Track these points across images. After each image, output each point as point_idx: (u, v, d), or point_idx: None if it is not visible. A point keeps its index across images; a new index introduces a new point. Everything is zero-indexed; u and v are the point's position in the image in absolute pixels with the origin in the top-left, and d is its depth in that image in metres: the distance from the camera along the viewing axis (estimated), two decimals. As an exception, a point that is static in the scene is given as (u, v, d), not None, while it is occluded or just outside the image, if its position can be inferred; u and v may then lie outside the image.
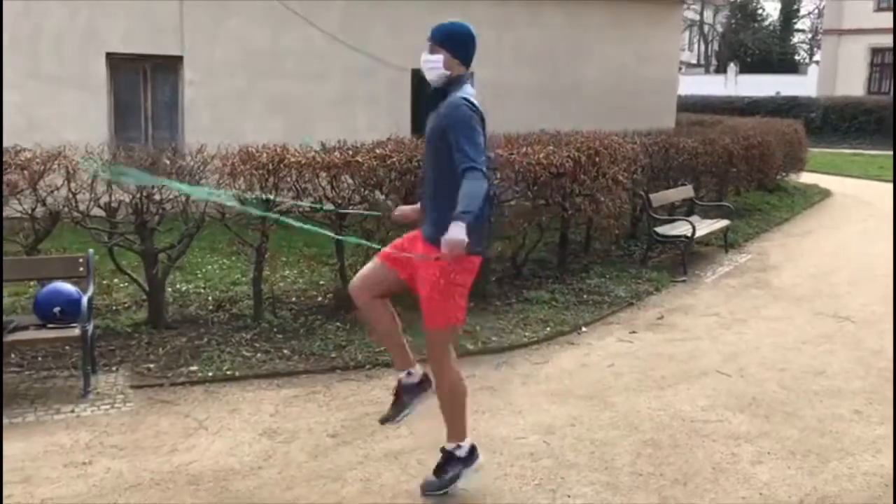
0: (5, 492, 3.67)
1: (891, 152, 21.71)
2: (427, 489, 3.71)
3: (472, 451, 3.76)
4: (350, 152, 6.82)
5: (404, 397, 3.81)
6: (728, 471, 4.04)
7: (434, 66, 3.59)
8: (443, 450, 3.73)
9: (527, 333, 6.32)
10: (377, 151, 6.77)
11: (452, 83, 3.59)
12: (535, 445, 4.31)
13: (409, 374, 3.80)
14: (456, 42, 3.61)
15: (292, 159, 6.35)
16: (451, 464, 3.70)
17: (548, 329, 6.44)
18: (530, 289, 7.50)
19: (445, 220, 3.30)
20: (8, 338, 4.83)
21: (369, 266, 3.77)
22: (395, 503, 3.68)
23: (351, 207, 6.49)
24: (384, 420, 3.87)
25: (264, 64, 11.79)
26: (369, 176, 6.50)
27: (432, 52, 3.60)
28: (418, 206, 3.84)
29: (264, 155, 6.36)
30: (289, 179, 6.39)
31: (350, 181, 6.60)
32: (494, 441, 4.34)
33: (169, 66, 11.69)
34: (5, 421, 4.51)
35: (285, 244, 7.95)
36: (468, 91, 3.58)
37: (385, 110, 12.29)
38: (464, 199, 3.27)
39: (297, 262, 8.06)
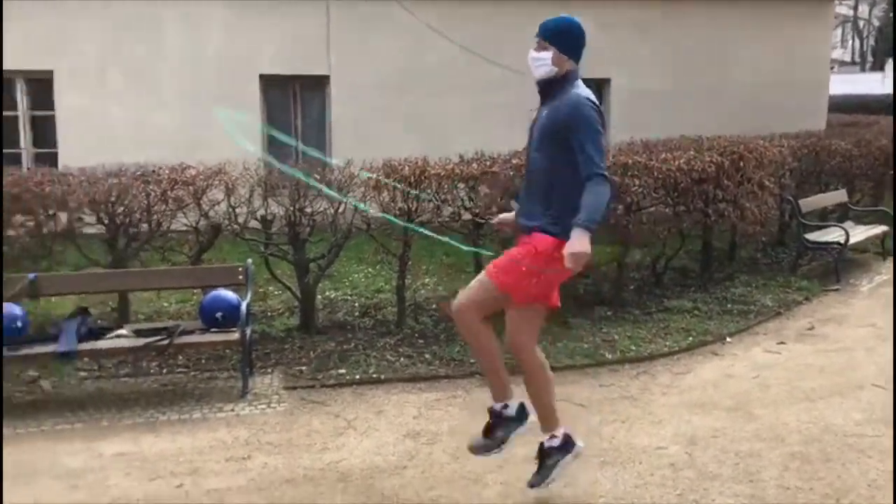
0: (176, 480, 4.01)
1: None
2: (533, 484, 3.66)
3: (567, 439, 3.67)
4: (487, 163, 6.97)
5: (498, 431, 3.69)
6: (885, 488, 3.85)
7: (542, 63, 3.48)
8: (540, 445, 3.69)
9: (667, 343, 6.22)
10: (513, 161, 6.88)
11: (561, 80, 3.47)
12: (677, 456, 4.25)
13: (505, 406, 3.71)
14: (564, 38, 3.48)
15: (433, 171, 6.56)
16: (550, 455, 3.65)
17: (690, 339, 6.31)
18: (671, 298, 7.36)
19: (559, 219, 3.28)
20: (176, 341, 5.27)
21: (475, 284, 3.63)
22: (534, 507, 3.75)
23: (487, 217, 6.63)
24: (473, 450, 3.76)
25: (403, 80, 12.17)
26: (506, 185, 6.61)
27: (540, 49, 3.49)
28: (514, 214, 3.74)
29: (406, 168, 6.61)
30: (429, 191, 6.60)
31: (487, 191, 6.74)
32: (634, 450, 4.32)
33: (316, 86, 12.29)
34: (176, 417, 4.92)
35: (426, 254, 8.18)
36: (584, 89, 3.45)
37: (520, 121, 12.36)
38: (589, 208, 3.21)
39: (437, 271, 8.28)
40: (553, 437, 3.68)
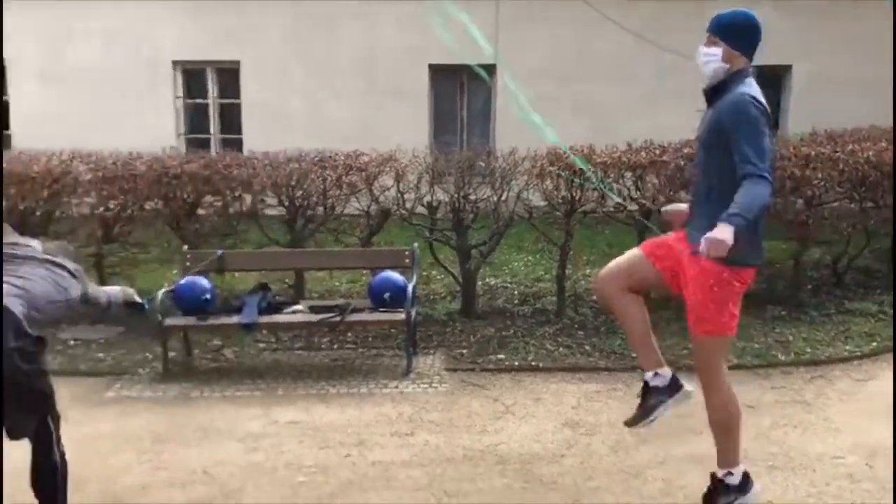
0: (344, 450, 4.22)
1: None
2: (631, 422, 3.50)
3: (746, 479, 3.38)
4: (656, 151, 6.78)
5: (651, 399, 3.50)
6: None
7: (711, 59, 3.26)
8: (713, 476, 3.42)
9: (847, 347, 5.83)
10: (684, 151, 6.65)
11: (732, 78, 3.24)
12: (855, 467, 3.99)
13: (656, 374, 3.49)
14: (737, 32, 3.24)
15: (598, 159, 6.48)
16: (724, 493, 3.37)
17: (874, 344, 5.88)
18: (853, 299, 6.88)
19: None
20: (347, 318, 5.53)
21: (623, 256, 3.53)
22: (696, 506, 3.64)
23: (657, 205, 6.47)
24: (629, 423, 3.59)
25: (571, 67, 12.05)
26: (675, 176, 6.41)
27: (710, 44, 3.28)
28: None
29: (571, 156, 6.55)
30: (594, 180, 6.51)
31: (655, 181, 6.57)
32: (807, 457, 4.10)
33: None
34: (344, 390, 5.17)
35: (588, 243, 8.10)
36: (753, 87, 3.20)
37: (692, 109, 11.92)
38: (740, 202, 2.97)
39: (599, 262, 8.15)
40: (730, 473, 3.40)
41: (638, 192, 6.55)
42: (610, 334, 6.12)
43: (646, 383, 3.53)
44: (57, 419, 3.13)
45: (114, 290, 3.60)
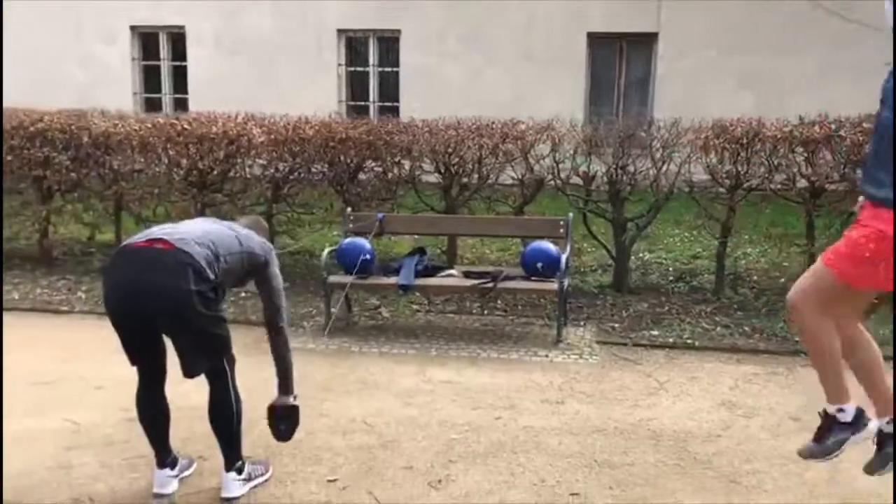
0: (496, 413, 4.31)
1: None
2: (805, 454, 3.21)
3: (860, 415, 3.12)
4: (832, 126, 6.38)
5: (830, 438, 3.17)
6: None
7: None
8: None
9: None
10: (863, 126, 6.21)
11: None
12: None
13: (840, 409, 3.15)
14: None
15: (768, 133, 6.18)
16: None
17: None
18: None
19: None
20: (499, 285, 5.59)
21: (809, 273, 3.05)
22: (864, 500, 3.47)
23: (827, 186, 6.12)
24: (802, 454, 3.26)
25: (737, 37, 11.49)
26: (852, 152, 6.01)
27: None
28: None
29: (738, 129, 6.29)
30: (762, 154, 6.23)
31: (829, 157, 6.19)
32: None
33: (643, 43, 12.07)
34: (495, 355, 5.25)
35: (751, 221, 7.76)
36: None
37: (872, 82, 11.08)
38: None
39: (762, 241, 7.82)
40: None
41: (809, 169, 6.19)
42: (772, 316, 5.88)
43: (825, 414, 3.19)
44: (232, 362, 3.35)
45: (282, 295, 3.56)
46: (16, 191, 7.38)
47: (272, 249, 3.51)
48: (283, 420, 3.53)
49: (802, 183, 6.23)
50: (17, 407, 4.27)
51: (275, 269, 3.48)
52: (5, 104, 9.59)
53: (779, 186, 6.31)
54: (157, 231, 3.20)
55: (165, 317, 3.06)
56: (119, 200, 7.07)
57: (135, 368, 3.30)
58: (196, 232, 3.21)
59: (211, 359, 3.22)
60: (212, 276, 3.09)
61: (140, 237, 3.18)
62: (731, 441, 4.00)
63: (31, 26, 13.26)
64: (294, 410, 3.54)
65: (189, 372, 3.21)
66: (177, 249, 3.05)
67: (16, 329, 5.67)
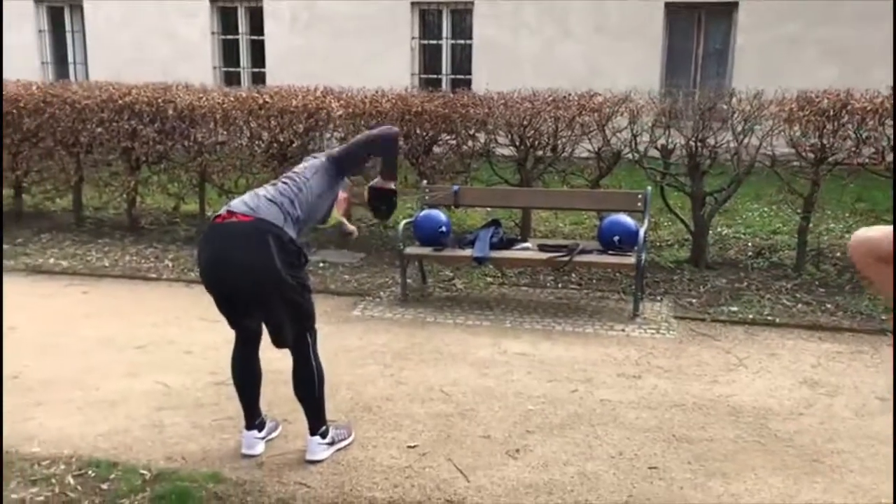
0: (571, 385, 4.33)
1: None
2: None
3: None
4: (927, 98, 6.11)
5: None
6: None
7: None
8: None
9: None
10: (962, 97, 5.95)
11: None
12: None
13: None
14: None
15: (857, 105, 5.96)
16: None
17: None
18: None
19: None
20: (575, 259, 5.57)
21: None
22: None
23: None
24: None
25: (821, 6, 11.05)
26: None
27: None
28: None
29: (825, 100, 6.09)
30: (849, 126, 6.02)
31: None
32: None
33: (723, 13, 11.74)
34: (570, 329, 5.26)
35: (835, 196, 7.53)
36: None
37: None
38: None
39: (846, 216, 7.59)
40: None
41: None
42: (856, 294, 5.73)
43: None
44: (314, 333, 3.42)
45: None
46: (105, 162, 7.68)
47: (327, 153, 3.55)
48: (383, 200, 3.58)
49: (892, 156, 6.01)
50: (112, 369, 4.50)
51: (338, 148, 3.56)
52: (92, 78, 9.90)
53: (866, 160, 6.10)
54: (237, 203, 3.26)
55: (255, 290, 3.18)
56: (203, 172, 7.29)
57: (231, 331, 3.44)
58: (265, 192, 3.27)
59: (296, 328, 3.31)
60: (292, 232, 3.17)
61: (222, 210, 3.27)
62: (813, 419, 3.94)
63: (112, 4, 13.67)
64: (394, 194, 3.57)
65: (280, 342, 3.33)
66: (253, 219, 3.13)
67: (108, 295, 5.95)
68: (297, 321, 3.31)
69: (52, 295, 5.93)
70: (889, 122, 5.99)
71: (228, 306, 3.32)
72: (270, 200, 3.22)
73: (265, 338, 3.42)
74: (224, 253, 3.16)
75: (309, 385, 3.40)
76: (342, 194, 3.63)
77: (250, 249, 3.11)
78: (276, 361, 3.58)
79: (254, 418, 3.51)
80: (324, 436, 3.47)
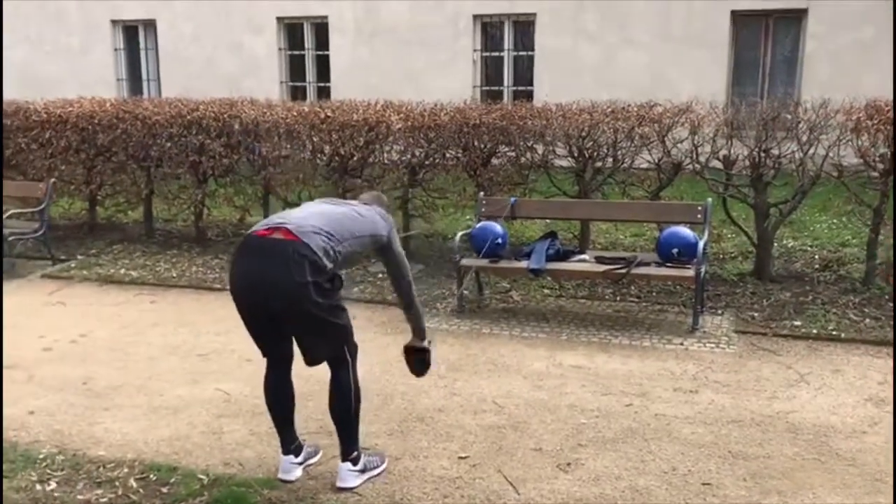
0: (626, 399, 4.29)
1: None
2: None
3: None
4: None
5: None
6: None
7: None
8: None
9: None
10: None
11: None
12: None
13: None
14: None
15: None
16: None
17: None
18: None
19: None
20: (633, 271, 5.52)
21: None
22: None
23: None
24: None
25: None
26: None
27: None
28: None
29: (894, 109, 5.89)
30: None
31: None
32: None
33: (792, 20, 11.47)
34: (626, 342, 5.21)
35: (906, 208, 7.26)
36: None
37: None
38: None
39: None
40: None
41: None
42: (928, 309, 5.51)
43: None
44: (354, 350, 3.33)
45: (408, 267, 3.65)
46: (174, 176, 7.94)
47: (392, 225, 3.53)
48: (418, 358, 3.67)
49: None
50: (176, 377, 4.65)
51: (398, 245, 3.52)
52: (164, 94, 10.22)
53: (940, 170, 5.88)
54: (276, 219, 3.25)
55: (283, 308, 3.10)
56: (267, 185, 7.47)
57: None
58: (315, 218, 3.22)
59: (330, 347, 3.25)
60: (329, 266, 3.11)
61: (261, 225, 3.23)
62: (878, 438, 3.82)
63: (184, 22, 14.14)
64: (426, 352, 3.66)
65: (310, 360, 3.28)
66: (294, 240, 3.08)
67: (174, 304, 6.15)
68: (333, 342, 3.25)
69: (121, 304, 6.17)
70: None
71: (258, 325, 3.25)
72: (317, 232, 3.15)
73: (298, 359, 3.36)
74: (258, 270, 3.10)
75: (345, 406, 3.32)
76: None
77: (284, 268, 3.04)
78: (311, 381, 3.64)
79: (289, 443, 3.45)
80: (355, 462, 3.37)
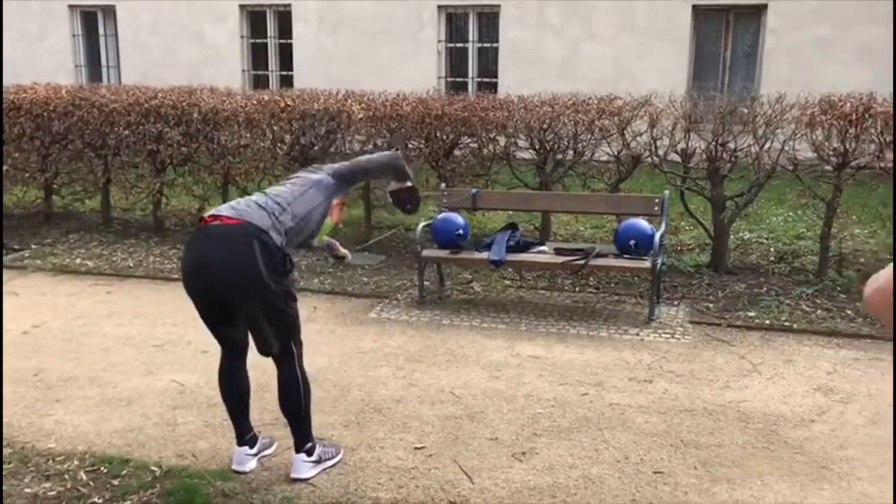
0: (582, 389, 4.34)
1: None
2: None
3: None
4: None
5: None
6: None
7: None
8: None
9: None
10: None
11: None
12: None
13: None
14: None
15: (879, 109, 5.88)
16: None
17: None
18: None
19: None
20: (591, 262, 5.57)
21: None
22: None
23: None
24: None
25: (853, 8, 10.89)
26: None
27: None
28: None
29: (847, 104, 6.01)
30: (872, 131, 5.94)
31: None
32: None
33: (751, 15, 11.63)
34: (584, 332, 5.26)
35: (860, 201, 7.44)
36: None
37: None
38: None
39: (870, 221, 7.48)
40: None
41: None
42: (877, 300, 5.63)
43: None
44: (299, 345, 3.30)
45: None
46: (132, 164, 7.82)
47: (332, 169, 3.52)
48: (409, 199, 3.78)
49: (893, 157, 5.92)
50: (130, 368, 4.60)
51: (343, 167, 3.55)
52: (124, 82, 10.05)
53: (890, 165, 6.01)
54: (224, 207, 3.23)
55: (235, 293, 3.07)
56: (226, 174, 7.39)
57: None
58: (255, 196, 3.24)
59: (281, 336, 3.21)
60: (278, 240, 3.09)
61: (210, 213, 3.20)
62: (825, 426, 3.90)
63: (145, 8, 13.91)
64: (415, 190, 3.80)
65: (262, 348, 3.24)
66: (238, 223, 3.07)
67: (130, 295, 6.07)
68: (281, 330, 3.20)
69: (76, 294, 6.07)
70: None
71: (211, 314, 3.21)
72: (260, 206, 3.15)
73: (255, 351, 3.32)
74: (206, 256, 3.08)
75: (294, 398, 3.30)
76: (335, 200, 3.59)
77: (234, 253, 3.03)
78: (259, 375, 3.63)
79: (244, 434, 3.42)
80: (309, 453, 3.35)
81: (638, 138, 6.62)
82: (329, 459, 3.47)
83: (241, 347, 3.35)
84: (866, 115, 5.87)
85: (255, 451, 3.46)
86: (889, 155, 5.95)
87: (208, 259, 3.08)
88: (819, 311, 5.54)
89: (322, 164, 3.64)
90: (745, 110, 6.33)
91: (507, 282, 6.38)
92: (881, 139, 5.91)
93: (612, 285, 6.29)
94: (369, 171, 3.75)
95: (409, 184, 3.69)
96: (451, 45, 13.05)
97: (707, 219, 6.66)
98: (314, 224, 3.38)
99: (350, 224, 7.37)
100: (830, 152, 6.08)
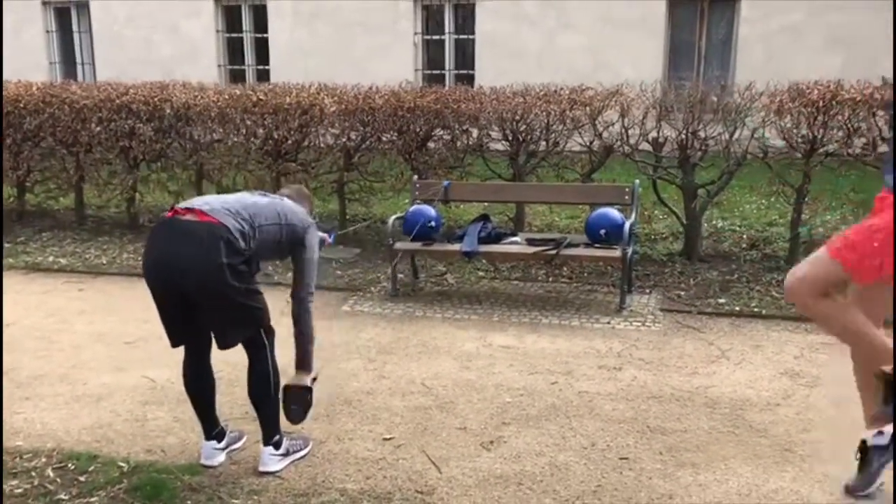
0: (552, 378, 4.37)
1: None
2: (853, 490, 3.11)
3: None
4: (918, 88, 6.08)
5: (873, 464, 3.04)
6: None
7: None
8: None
9: None
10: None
11: None
12: None
13: (879, 433, 3.01)
14: None
15: (846, 96, 5.94)
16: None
17: None
18: None
19: None
20: (562, 252, 5.60)
21: (812, 258, 2.92)
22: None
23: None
24: (850, 490, 3.12)
25: (828, -6, 10.98)
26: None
27: None
28: None
29: (815, 91, 6.07)
30: (840, 118, 6.00)
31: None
32: None
33: (726, 4, 11.69)
34: (556, 322, 5.29)
35: (830, 187, 7.49)
36: None
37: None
38: None
39: (840, 207, 7.55)
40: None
41: (892, 133, 5.93)
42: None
43: (864, 443, 3.05)
44: (271, 334, 3.29)
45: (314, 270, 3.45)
46: (105, 161, 7.78)
47: (313, 224, 3.44)
48: (296, 401, 3.41)
49: (884, 148, 5.98)
50: (101, 364, 4.59)
51: (313, 241, 3.39)
52: (98, 79, 9.97)
53: (859, 151, 6.08)
54: (197, 201, 3.20)
55: (197, 289, 3.05)
56: (200, 169, 7.36)
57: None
58: (231, 201, 3.19)
59: (245, 331, 3.21)
60: (244, 247, 3.06)
61: (183, 205, 3.16)
62: (790, 410, 3.96)
63: (118, 4, 13.80)
64: (307, 392, 3.41)
65: (222, 344, 3.22)
66: (209, 221, 3.04)
67: (103, 292, 6.04)
68: (248, 324, 3.20)
69: (48, 292, 6.04)
70: (881, 113, 5.96)
71: (171, 310, 3.18)
72: (234, 213, 3.11)
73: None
74: (170, 251, 3.06)
75: (264, 389, 3.29)
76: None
77: (197, 248, 3.00)
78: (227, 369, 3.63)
79: (212, 428, 3.41)
80: (277, 446, 3.36)
81: (610, 128, 6.65)
82: (297, 452, 3.47)
83: (204, 344, 3.33)
84: (833, 103, 5.93)
85: (223, 445, 3.46)
86: (857, 141, 6.01)
87: (173, 252, 3.05)
88: (788, 297, 5.60)
89: (311, 219, 3.48)
90: (715, 99, 6.37)
91: (480, 273, 6.41)
92: (849, 126, 5.97)
93: (585, 275, 6.33)
94: (305, 287, 3.36)
95: (307, 381, 3.40)
96: (428, 37, 13.03)
97: (680, 207, 6.71)
98: (274, 250, 3.33)
99: (326, 219, 7.37)
100: (799, 139, 6.14)
